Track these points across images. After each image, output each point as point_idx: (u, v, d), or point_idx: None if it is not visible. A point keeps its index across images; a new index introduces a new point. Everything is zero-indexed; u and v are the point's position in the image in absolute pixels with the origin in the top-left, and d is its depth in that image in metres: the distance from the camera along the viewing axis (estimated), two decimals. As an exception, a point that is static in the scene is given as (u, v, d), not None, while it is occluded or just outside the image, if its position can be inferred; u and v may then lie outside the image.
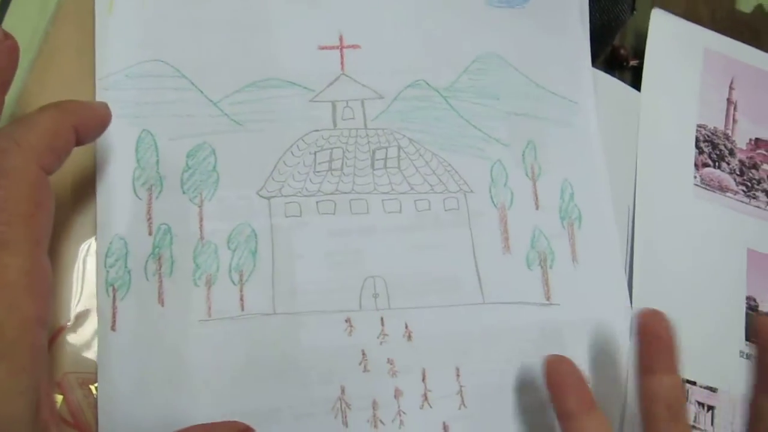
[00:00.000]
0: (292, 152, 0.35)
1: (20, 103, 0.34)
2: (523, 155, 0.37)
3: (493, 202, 0.36)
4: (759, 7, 0.49)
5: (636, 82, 0.43)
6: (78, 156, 0.33)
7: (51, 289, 0.25)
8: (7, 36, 0.28)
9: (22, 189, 0.24)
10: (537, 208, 0.37)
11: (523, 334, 0.35)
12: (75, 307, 0.31)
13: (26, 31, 0.37)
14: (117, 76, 0.34)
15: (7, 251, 0.23)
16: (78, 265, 0.32)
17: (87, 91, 0.34)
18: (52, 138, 0.26)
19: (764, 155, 0.44)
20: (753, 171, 0.43)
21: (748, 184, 0.43)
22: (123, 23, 0.35)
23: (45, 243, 0.25)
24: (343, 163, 0.35)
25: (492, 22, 0.38)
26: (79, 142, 0.28)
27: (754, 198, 0.43)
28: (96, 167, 0.33)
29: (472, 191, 0.36)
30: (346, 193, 0.35)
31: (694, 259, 0.40)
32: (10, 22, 0.36)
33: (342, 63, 0.36)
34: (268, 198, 0.34)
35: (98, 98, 0.34)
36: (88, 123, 0.29)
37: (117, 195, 0.32)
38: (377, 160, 0.35)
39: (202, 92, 0.35)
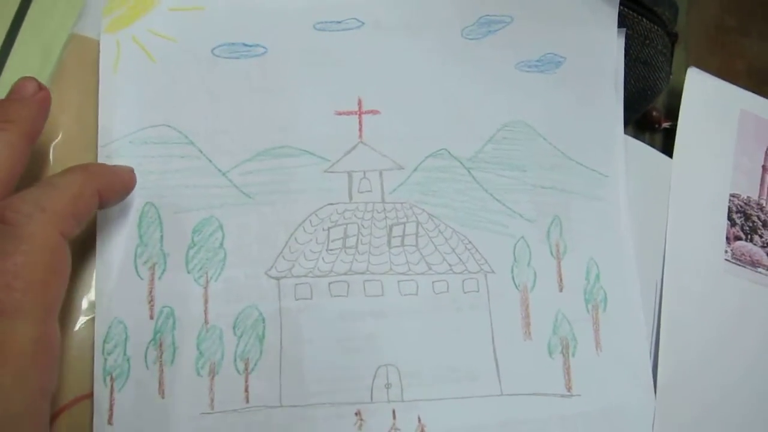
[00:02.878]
0: (304, 228, 0.33)
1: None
2: (548, 232, 0.35)
3: (515, 283, 0.34)
4: (798, 62, 0.47)
5: (667, 144, 0.41)
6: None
7: (58, 358, 0.25)
8: (41, 87, 0.29)
9: (40, 256, 0.24)
10: (560, 290, 0.35)
11: (542, 427, 0.33)
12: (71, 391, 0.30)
13: (26, 84, 0.35)
14: (121, 143, 0.32)
15: (19, 320, 0.23)
16: (75, 344, 0.30)
17: (89, 155, 0.33)
18: (75, 204, 0.26)
19: (799, 227, 0.42)
20: (787, 244, 0.41)
21: (782, 258, 0.41)
22: (128, 83, 0.33)
23: (56, 309, 0.25)
24: (358, 241, 0.33)
25: (521, 88, 0.36)
26: (100, 207, 0.28)
27: (786, 274, 0.40)
28: (96, 243, 0.31)
29: (493, 271, 0.34)
30: (360, 273, 0.33)
31: (723, 340, 0.38)
32: (8, 77, 0.35)
33: (360, 130, 0.34)
34: (278, 279, 0.32)
35: (100, 166, 0.32)
36: (112, 188, 0.29)
37: (117, 274, 0.31)
38: (394, 237, 0.33)
39: (210, 161, 0.33)
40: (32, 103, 0.29)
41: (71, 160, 0.32)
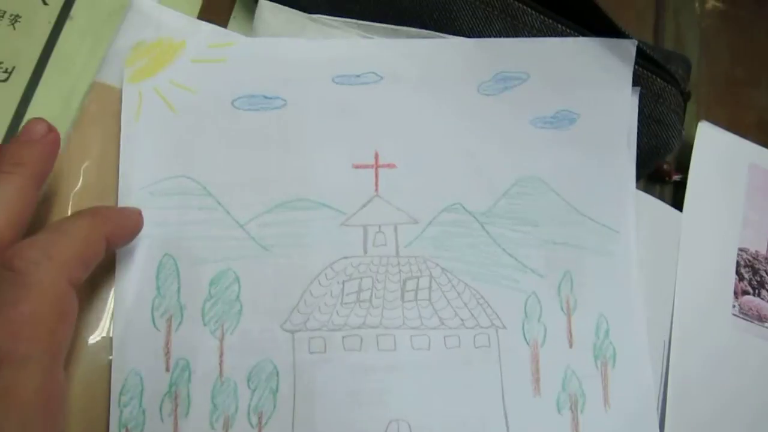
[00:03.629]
0: (319, 281, 0.33)
1: (39, 210, 0.33)
2: (559, 287, 0.36)
3: (525, 338, 0.35)
4: (807, 114, 0.47)
5: (678, 197, 0.41)
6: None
7: (65, 406, 0.25)
8: (51, 129, 0.29)
9: (48, 304, 0.24)
10: (570, 346, 0.35)
11: (550, 484, 0.33)
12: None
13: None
14: (141, 193, 0.33)
15: (26, 369, 0.23)
16: (88, 392, 0.31)
17: (108, 203, 0.33)
18: (84, 250, 0.26)
19: (806, 282, 0.42)
20: (794, 299, 0.41)
21: (789, 313, 0.41)
22: (149, 133, 0.33)
23: (63, 356, 0.25)
24: (372, 294, 0.33)
25: (535, 144, 0.36)
26: (109, 250, 0.28)
27: (793, 329, 0.41)
28: (114, 294, 0.31)
29: (504, 327, 0.34)
30: (373, 327, 0.33)
31: (731, 397, 0.38)
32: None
33: (376, 183, 0.35)
34: (293, 332, 0.32)
35: (120, 217, 0.32)
36: (121, 231, 0.29)
37: (135, 325, 0.31)
38: (408, 291, 0.34)
39: (228, 213, 0.33)
40: (42, 145, 0.29)
41: (92, 204, 0.33)
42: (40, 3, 0.37)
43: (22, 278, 0.24)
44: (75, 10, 0.38)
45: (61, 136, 0.34)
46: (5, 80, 0.36)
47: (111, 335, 0.31)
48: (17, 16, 0.37)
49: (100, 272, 0.32)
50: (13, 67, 0.36)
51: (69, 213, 0.33)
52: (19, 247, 0.25)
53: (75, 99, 0.36)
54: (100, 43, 0.37)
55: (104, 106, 0.34)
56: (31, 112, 0.35)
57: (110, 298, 0.32)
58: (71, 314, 0.25)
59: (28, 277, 0.24)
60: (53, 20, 0.37)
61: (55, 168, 0.33)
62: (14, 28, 0.37)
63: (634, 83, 0.37)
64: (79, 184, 0.33)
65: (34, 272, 0.24)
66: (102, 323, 0.31)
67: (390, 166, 0.35)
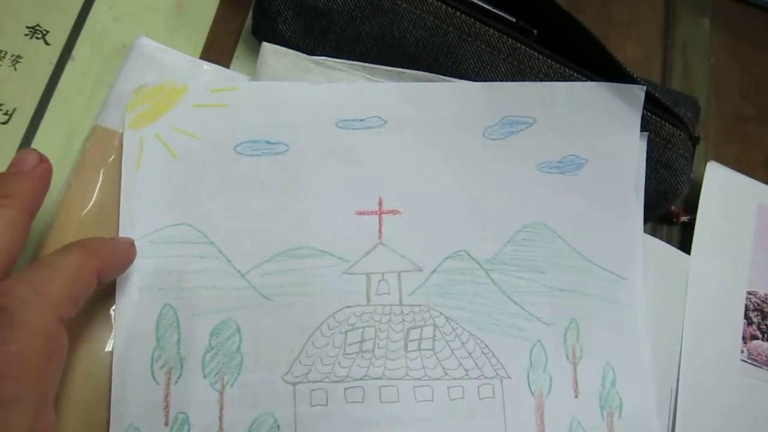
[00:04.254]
0: (321, 332, 0.32)
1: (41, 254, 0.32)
2: (564, 335, 0.35)
3: (530, 389, 0.34)
4: (817, 151, 0.47)
5: (685, 239, 0.41)
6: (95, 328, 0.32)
7: None
8: (43, 159, 0.29)
9: (36, 343, 0.23)
10: (576, 396, 0.35)
11: None
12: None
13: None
14: (141, 242, 0.32)
15: (14, 409, 0.22)
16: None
17: (108, 250, 0.33)
18: (73, 285, 0.25)
19: (816, 325, 0.41)
20: (803, 343, 0.41)
21: (798, 358, 0.40)
22: (150, 181, 0.33)
23: (52, 395, 0.24)
24: (375, 345, 0.33)
25: (541, 190, 0.36)
26: (99, 283, 0.28)
27: (803, 374, 0.40)
28: (113, 346, 0.31)
29: (509, 377, 0.34)
30: (376, 378, 0.32)
31: (737, 445, 0.38)
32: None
33: (380, 230, 0.34)
34: (294, 384, 0.32)
35: (120, 267, 0.32)
36: (112, 264, 0.29)
37: (134, 378, 0.31)
38: (411, 341, 0.33)
39: (230, 261, 0.33)
40: (33, 176, 0.28)
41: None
42: (42, 43, 0.37)
43: (9, 316, 0.23)
44: (76, 51, 0.37)
45: (62, 181, 0.34)
46: (6, 122, 0.35)
47: (109, 388, 0.30)
48: (18, 56, 0.36)
49: (98, 324, 0.32)
50: (14, 109, 0.36)
51: (68, 261, 0.32)
52: (7, 284, 0.24)
53: (76, 141, 0.35)
54: (101, 84, 0.36)
55: (105, 151, 0.34)
56: (32, 154, 0.35)
57: (109, 350, 0.31)
58: (60, 352, 0.25)
59: (15, 315, 0.23)
60: (54, 61, 0.37)
61: (56, 214, 0.33)
62: (15, 69, 0.36)
63: (643, 128, 0.36)
64: (77, 230, 0.33)
65: (22, 310, 0.23)
66: (100, 376, 0.31)
67: (394, 212, 0.35)
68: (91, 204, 0.33)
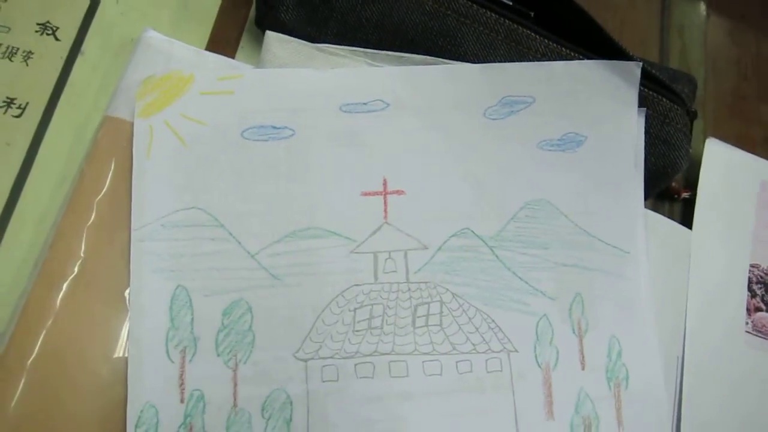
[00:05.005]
0: (331, 309, 0.33)
1: (55, 244, 0.33)
2: (570, 310, 0.36)
3: (537, 362, 0.35)
4: (816, 127, 0.47)
5: (687, 215, 0.41)
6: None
7: None
8: None
9: None
10: (583, 368, 0.35)
11: (565, 508, 0.33)
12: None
13: (59, 164, 0.36)
14: (153, 226, 0.33)
15: None
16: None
17: (121, 235, 0.33)
18: None
19: (819, 297, 0.42)
20: (807, 315, 0.41)
21: (802, 329, 0.41)
22: (161, 167, 0.34)
23: None
24: (383, 321, 0.34)
25: (542, 167, 0.37)
26: None
27: (808, 345, 0.41)
28: (129, 327, 0.32)
29: (516, 350, 0.34)
30: (385, 354, 0.33)
31: (743, 414, 0.38)
32: (43, 155, 0.36)
33: (385, 210, 0.35)
34: (305, 360, 0.32)
35: (134, 251, 0.33)
36: None
37: (149, 358, 0.31)
38: (419, 317, 0.34)
39: (240, 243, 0.33)
40: None
41: (103, 241, 0.33)
42: (53, 39, 0.38)
43: None
44: (86, 46, 0.38)
45: (74, 170, 0.35)
46: (19, 116, 0.36)
47: (126, 368, 0.31)
48: (30, 52, 0.37)
49: (114, 306, 0.32)
50: (27, 103, 0.37)
51: (83, 247, 0.33)
52: None
53: (87, 133, 0.36)
54: (111, 77, 0.37)
55: (116, 140, 0.35)
56: (45, 146, 0.36)
57: (124, 329, 0.32)
58: None
59: None
60: (65, 56, 0.38)
61: (69, 202, 0.34)
62: (27, 65, 0.37)
63: (641, 104, 0.37)
64: (92, 217, 0.34)
65: None
66: (117, 355, 0.32)
67: (399, 192, 0.35)
68: (104, 191, 0.34)
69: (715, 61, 0.47)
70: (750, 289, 0.41)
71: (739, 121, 0.46)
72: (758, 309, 0.40)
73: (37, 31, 0.38)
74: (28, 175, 0.35)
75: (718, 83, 0.46)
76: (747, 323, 0.40)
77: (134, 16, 0.39)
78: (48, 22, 0.38)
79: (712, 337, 0.39)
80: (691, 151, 0.39)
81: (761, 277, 0.41)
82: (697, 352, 0.38)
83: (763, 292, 0.41)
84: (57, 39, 0.38)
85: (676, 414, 0.37)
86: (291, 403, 0.32)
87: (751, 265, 0.41)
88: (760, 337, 0.40)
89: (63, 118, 0.37)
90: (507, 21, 0.36)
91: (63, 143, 0.36)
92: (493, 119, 0.37)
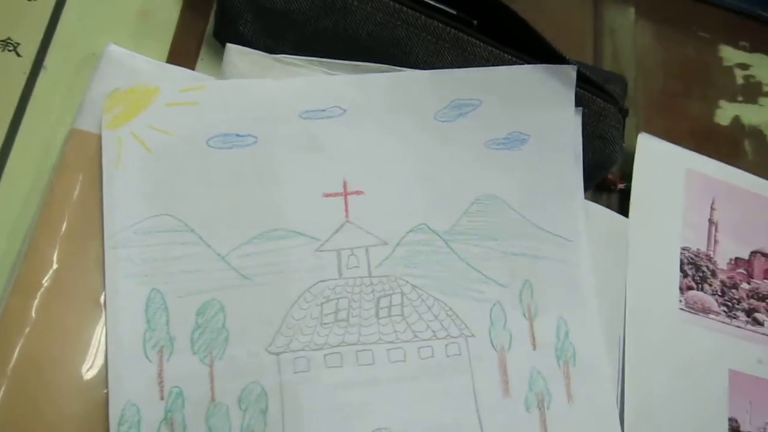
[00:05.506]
0: (299, 305, 0.35)
1: (29, 255, 0.34)
2: (520, 295, 0.39)
3: (492, 345, 0.37)
4: (736, 119, 0.52)
5: (624, 205, 0.45)
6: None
7: None
8: None
9: None
10: (534, 349, 0.38)
11: (523, 477, 0.36)
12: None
13: (28, 177, 0.37)
14: (125, 233, 0.34)
15: None
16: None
17: (94, 243, 0.35)
18: None
19: (743, 274, 0.46)
20: (733, 291, 0.45)
21: (729, 304, 0.45)
22: (130, 176, 0.35)
23: None
24: (348, 314, 0.36)
25: (490, 165, 0.40)
26: None
27: (734, 318, 0.45)
28: (106, 330, 0.33)
29: (473, 335, 0.37)
30: (352, 344, 0.35)
31: (680, 384, 0.42)
32: (11, 169, 0.37)
33: (346, 210, 0.37)
34: (277, 354, 0.34)
35: (107, 257, 0.34)
36: None
37: (128, 359, 0.33)
38: (382, 308, 0.36)
39: (209, 246, 0.35)
40: None
41: (76, 250, 0.35)
42: (14, 55, 0.39)
43: None
44: (48, 61, 0.39)
45: (43, 184, 0.36)
46: (-16, 131, 0.37)
47: (105, 369, 0.33)
48: (-8, 68, 0.38)
49: (89, 312, 0.34)
50: (-8, 118, 0.37)
51: (55, 258, 0.34)
52: None
53: (55, 146, 0.37)
54: (74, 91, 0.39)
55: (84, 152, 0.36)
56: (12, 161, 0.37)
57: (101, 334, 0.34)
58: None
59: None
60: (27, 71, 0.39)
61: (41, 214, 0.35)
62: (-10, 81, 0.38)
63: (577, 104, 0.40)
64: (64, 227, 0.35)
65: None
66: (95, 358, 0.33)
67: (358, 192, 0.38)
68: (74, 201, 0.35)
69: (644, 62, 0.51)
70: (682, 269, 0.44)
71: (667, 117, 0.50)
72: (690, 288, 0.44)
73: (-2, 48, 0.39)
74: (-3, 189, 0.36)
75: (648, 82, 0.50)
76: (680, 301, 0.44)
77: (95, 31, 0.41)
78: (9, 38, 0.39)
79: (649, 316, 0.42)
80: (624, 145, 0.42)
81: (691, 258, 0.45)
82: (636, 329, 0.42)
83: (694, 272, 0.45)
84: (18, 55, 0.39)
85: (620, 388, 0.40)
86: (266, 394, 0.34)
87: (682, 248, 0.45)
88: (692, 312, 0.44)
89: (29, 132, 0.38)
90: (453, 30, 0.39)
91: (30, 157, 0.37)
92: (443, 121, 0.39)
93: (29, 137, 0.38)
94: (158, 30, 0.42)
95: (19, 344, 0.33)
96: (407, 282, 0.37)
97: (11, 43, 0.39)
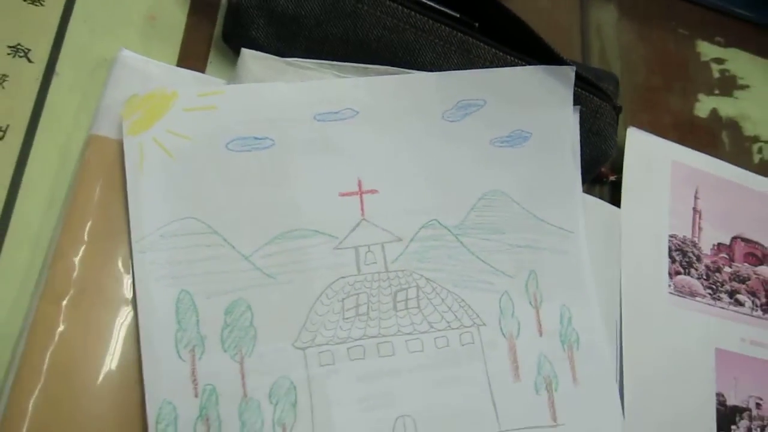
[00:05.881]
0: (321, 301, 0.37)
1: (55, 261, 0.35)
2: (526, 285, 0.41)
3: (503, 332, 0.40)
4: (714, 112, 0.55)
5: (615, 196, 0.47)
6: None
7: None
8: None
9: None
10: (541, 335, 0.40)
11: (535, 455, 0.39)
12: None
13: (47, 185, 0.37)
14: (152, 237, 0.35)
15: None
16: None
17: (121, 247, 0.36)
18: None
19: (725, 258, 0.49)
20: (717, 274, 0.48)
21: (714, 287, 0.48)
22: (153, 181, 0.36)
23: None
24: (368, 308, 0.38)
25: (495, 162, 0.41)
26: None
27: (718, 300, 0.48)
28: (138, 332, 0.34)
29: (484, 324, 0.39)
30: (373, 337, 0.37)
31: (672, 363, 0.45)
32: (29, 178, 0.37)
33: (362, 208, 0.39)
34: (303, 349, 0.36)
35: (136, 261, 0.35)
36: None
37: (162, 359, 0.34)
38: (399, 302, 0.38)
39: (234, 247, 0.36)
40: None
41: (101, 255, 0.35)
42: (26, 61, 0.39)
43: None
44: (59, 67, 0.40)
45: (63, 191, 0.37)
46: (1, 138, 0.37)
47: (139, 370, 0.34)
48: (4, 75, 0.38)
49: (118, 316, 0.35)
50: (8, 126, 0.38)
51: (81, 263, 0.35)
52: None
53: (72, 152, 0.38)
54: (89, 97, 0.39)
55: (104, 158, 0.37)
56: (30, 168, 0.37)
57: (130, 335, 0.35)
58: None
59: None
60: (40, 77, 0.39)
61: (65, 221, 0.35)
62: (3, 88, 0.38)
63: (575, 102, 0.42)
64: (87, 234, 0.35)
65: None
66: (126, 360, 0.34)
67: (372, 191, 0.39)
68: (96, 208, 0.36)
69: (628, 58, 0.53)
70: (670, 255, 0.47)
71: (651, 110, 0.52)
72: (678, 273, 0.47)
73: (9, 54, 0.39)
74: (17, 198, 0.37)
75: (632, 77, 0.53)
76: (670, 285, 0.47)
77: (104, 36, 0.41)
78: (19, 44, 0.39)
79: (643, 300, 0.45)
80: (617, 140, 0.44)
81: (678, 245, 0.48)
82: (632, 313, 0.44)
83: (681, 258, 0.48)
84: (30, 61, 0.39)
85: (618, 368, 0.43)
86: (294, 387, 0.35)
87: (670, 236, 0.48)
88: (680, 296, 0.47)
89: (45, 139, 0.38)
90: (458, 33, 0.40)
91: (48, 163, 0.38)
92: (450, 121, 0.41)
93: (46, 144, 0.38)
94: (166, 33, 0.42)
95: (51, 348, 0.34)
96: (422, 276, 0.39)
97: (22, 49, 0.39)
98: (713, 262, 0.49)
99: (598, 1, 0.54)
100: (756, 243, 0.50)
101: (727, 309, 0.48)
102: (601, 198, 0.47)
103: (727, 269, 0.49)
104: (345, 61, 0.40)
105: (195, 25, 0.43)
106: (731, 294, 0.48)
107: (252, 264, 0.36)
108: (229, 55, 0.42)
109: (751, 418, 0.46)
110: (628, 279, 0.45)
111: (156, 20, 0.42)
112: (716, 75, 0.56)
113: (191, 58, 0.42)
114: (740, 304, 0.48)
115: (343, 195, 0.39)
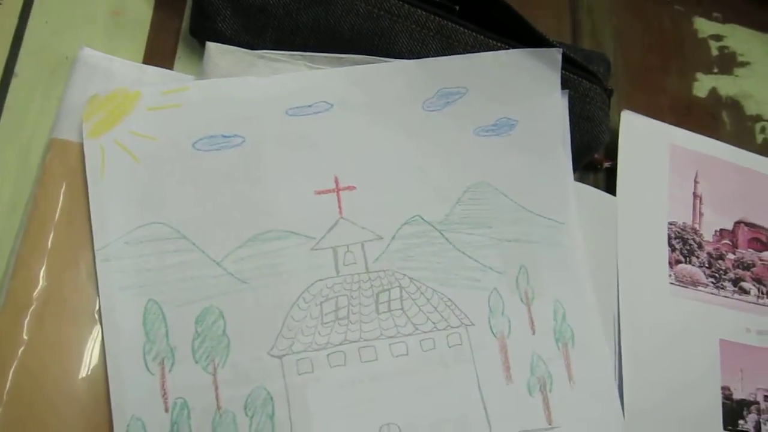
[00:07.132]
0: (298, 306, 0.35)
1: (17, 272, 0.33)
2: (516, 281, 0.39)
3: (492, 332, 0.38)
4: (713, 90, 0.52)
5: (610, 183, 0.45)
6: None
7: None
8: None
9: None
10: (533, 333, 0.38)
11: (530, 460, 0.37)
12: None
13: (7, 190, 0.35)
14: (116, 245, 0.34)
15: None
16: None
17: (84, 254, 0.34)
18: None
19: (728, 245, 0.47)
20: (720, 262, 0.46)
21: (716, 275, 0.46)
22: (116, 186, 0.35)
23: None
24: (348, 311, 0.36)
25: (480, 152, 0.39)
26: None
27: (722, 288, 0.46)
28: (104, 346, 0.33)
29: (472, 324, 0.37)
30: (354, 341, 0.35)
31: (675, 357, 0.42)
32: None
33: (339, 206, 0.37)
34: (280, 357, 0.34)
35: (100, 271, 0.33)
36: None
37: (129, 373, 0.32)
38: (381, 303, 0.36)
39: (204, 252, 0.35)
40: None
41: (66, 264, 0.34)
42: (-17, 63, 0.37)
43: None
44: (18, 67, 0.38)
45: (25, 196, 0.35)
46: (-41, 144, 0.36)
47: (106, 385, 0.32)
48: (-39, 78, 0.37)
49: (84, 327, 0.33)
50: (-35, 131, 0.36)
51: (44, 274, 0.33)
52: None
53: (33, 157, 0.36)
54: (49, 97, 0.37)
55: (66, 163, 0.35)
56: (-11, 173, 0.36)
57: (98, 349, 0.33)
58: None
59: None
60: (-2, 79, 0.37)
61: (26, 229, 0.34)
62: (-40, 91, 0.37)
63: (563, 87, 0.40)
64: (51, 241, 0.34)
65: None
66: (94, 374, 0.33)
67: (350, 188, 0.37)
68: (59, 214, 0.34)
69: (621, 37, 0.51)
70: (670, 244, 0.45)
71: (647, 91, 0.50)
72: (678, 261, 0.45)
73: (-35, 57, 0.37)
74: (-24, 205, 0.35)
75: (626, 57, 0.50)
76: (670, 275, 0.44)
77: (66, 34, 0.39)
78: (-25, 46, 0.38)
79: (642, 292, 0.43)
80: (609, 124, 0.42)
81: (678, 232, 0.46)
82: (630, 306, 0.42)
83: (681, 246, 0.45)
84: (-13, 63, 0.38)
85: (617, 364, 0.41)
86: (272, 398, 0.33)
87: (669, 223, 0.45)
88: (681, 286, 0.44)
89: (5, 143, 0.36)
90: (437, 17, 0.38)
91: (9, 169, 0.36)
92: (431, 111, 0.39)
93: (5, 148, 0.36)
94: (132, 29, 0.40)
95: (14, 365, 0.32)
96: (405, 275, 0.37)
97: (-21, 51, 0.37)
98: (715, 249, 0.46)
99: (588, -21, 0.52)
100: (760, 227, 0.48)
101: (731, 298, 0.46)
102: (595, 186, 0.45)
103: (730, 256, 0.47)
104: (317, 52, 0.38)
105: (162, 20, 0.41)
106: (735, 282, 0.46)
107: (224, 269, 0.35)
108: (198, 50, 0.40)
109: (759, 412, 0.44)
110: (626, 270, 0.43)
111: (120, 16, 0.40)
112: (715, 52, 0.53)
113: (158, 54, 0.40)
114: (745, 292, 0.46)
115: (319, 193, 0.37)
